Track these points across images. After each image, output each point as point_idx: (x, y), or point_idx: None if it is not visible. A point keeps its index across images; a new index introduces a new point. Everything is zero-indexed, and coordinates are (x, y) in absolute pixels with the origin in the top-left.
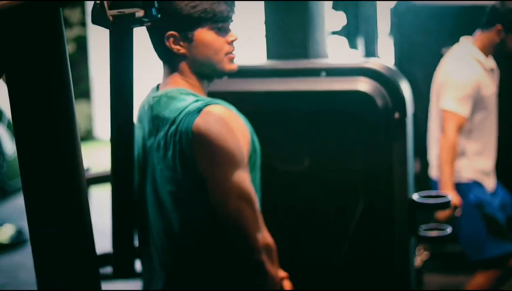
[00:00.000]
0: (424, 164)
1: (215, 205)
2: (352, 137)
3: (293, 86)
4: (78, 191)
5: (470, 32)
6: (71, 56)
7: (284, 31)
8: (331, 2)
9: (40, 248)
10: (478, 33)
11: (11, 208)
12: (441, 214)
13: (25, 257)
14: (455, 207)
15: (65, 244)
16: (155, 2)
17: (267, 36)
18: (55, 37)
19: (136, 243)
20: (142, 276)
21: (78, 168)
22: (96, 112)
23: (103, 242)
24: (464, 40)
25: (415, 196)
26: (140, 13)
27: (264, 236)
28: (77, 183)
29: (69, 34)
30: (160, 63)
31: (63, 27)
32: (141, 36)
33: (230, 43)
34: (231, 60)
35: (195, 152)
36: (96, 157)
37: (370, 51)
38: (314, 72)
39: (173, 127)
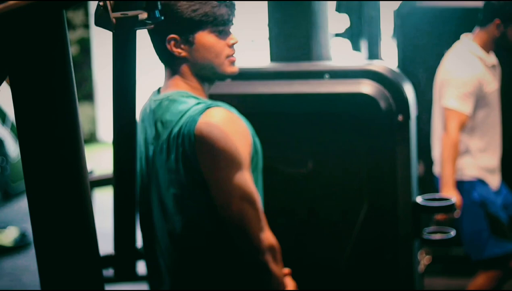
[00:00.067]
0: (428, 167)
1: (218, 207)
2: (356, 140)
3: (297, 89)
4: (81, 193)
5: None
6: (74, 58)
7: (288, 34)
8: (334, 4)
9: (44, 250)
10: (477, 30)
11: (15, 210)
12: (441, 215)
13: (29, 260)
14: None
15: (69, 247)
16: (159, 4)
17: (270, 38)
18: (59, 39)
19: (138, 245)
20: (148, 280)
21: (82, 171)
22: (100, 115)
23: (107, 244)
24: (465, 38)
25: (419, 199)
26: (143, 15)
27: (268, 236)
28: (80, 185)
29: (72, 36)
30: (157, 66)
31: (67, 29)
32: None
33: (231, 46)
34: (232, 63)
35: (198, 154)
36: (100, 159)
37: (374, 54)
38: (317, 75)
39: (176, 130)
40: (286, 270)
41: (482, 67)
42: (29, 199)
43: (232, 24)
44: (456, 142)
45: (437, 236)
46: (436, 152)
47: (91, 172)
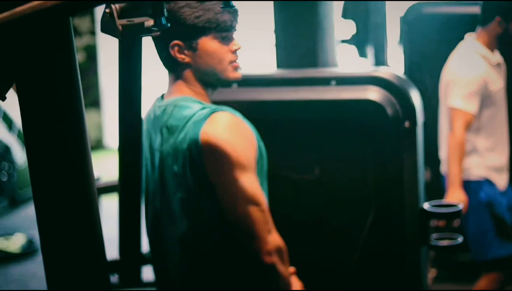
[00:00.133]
0: (435, 173)
1: (225, 210)
2: (362, 146)
3: (303, 95)
4: (88, 200)
5: None
6: (80, 65)
7: (294, 40)
8: (340, 10)
9: (51, 257)
10: (479, 30)
11: (22, 217)
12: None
13: (36, 267)
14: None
15: (76, 253)
16: (165, 11)
17: (277, 45)
18: (65, 46)
19: (143, 250)
20: (156, 285)
21: (89, 177)
22: (106, 121)
23: (114, 250)
24: (468, 38)
25: (426, 205)
26: (149, 22)
27: (275, 238)
28: (87, 192)
29: (78, 43)
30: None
31: (73, 36)
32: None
33: (234, 52)
34: (235, 68)
35: (204, 158)
36: (106, 166)
37: (380, 60)
38: (324, 81)
39: (181, 135)
40: (292, 269)
41: (487, 66)
42: (36, 205)
43: (235, 30)
44: (462, 142)
45: (445, 242)
46: (443, 151)
47: (98, 179)
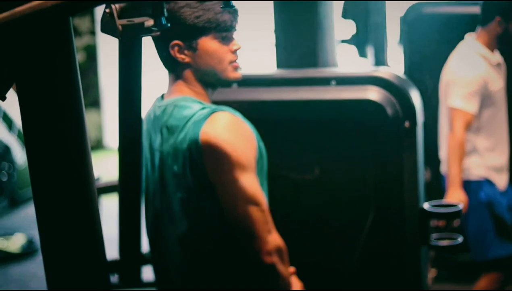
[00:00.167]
0: (435, 173)
1: (225, 210)
2: (362, 146)
3: (303, 95)
4: (88, 200)
5: None
6: (80, 65)
7: (294, 40)
8: (340, 10)
9: (51, 257)
10: (479, 30)
11: (22, 217)
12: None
13: (36, 267)
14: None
15: (76, 253)
16: (165, 11)
17: (277, 45)
18: (65, 46)
19: (143, 250)
20: (156, 285)
21: (89, 177)
22: (106, 122)
23: (114, 250)
24: (468, 38)
25: (426, 205)
26: (149, 22)
27: (275, 238)
28: (87, 192)
29: (78, 43)
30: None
31: (73, 36)
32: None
33: (234, 52)
34: (235, 68)
35: (204, 158)
36: (106, 166)
37: (380, 60)
38: (324, 81)
39: (181, 135)
40: (292, 269)
41: (487, 65)
42: (36, 205)
43: (235, 30)
44: (462, 142)
45: (445, 242)
46: (443, 151)
47: (98, 179)
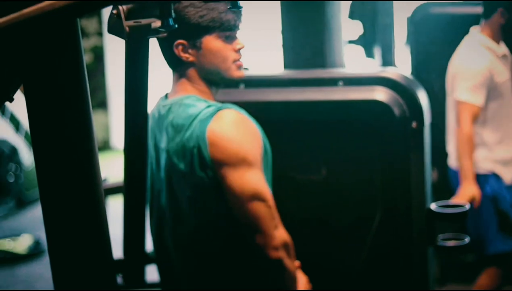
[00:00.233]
0: (442, 173)
1: (232, 206)
2: (370, 147)
3: (311, 96)
4: (95, 201)
5: None
6: (88, 66)
7: (301, 41)
8: (348, 11)
9: (58, 258)
10: (483, 23)
11: (29, 218)
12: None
13: (42, 268)
14: (473, 199)
15: (83, 254)
16: (172, 12)
17: (284, 45)
18: (72, 47)
19: (147, 250)
20: (162, 284)
21: (96, 178)
22: (113, 122)
23: (120, 251)
24: (473, 30)
25: (433, 206)
26: (156, 23)
27: (281, 233)
28: (94, 193)
29: (86, 44)
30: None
31: (80, 37)
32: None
33: (237, 51)
34: (239, 67)
35: (211, 155)
36: (113, 167)
37: (387, 60)
38: (331, 82)
39: (188, 133)
40: (297, 263)
41: (492, 57)
42: (44, 206)
43: (239, 29)
44: (470, 135)
45: (451, 243)
46: (451, 145)
47: (104, 180)
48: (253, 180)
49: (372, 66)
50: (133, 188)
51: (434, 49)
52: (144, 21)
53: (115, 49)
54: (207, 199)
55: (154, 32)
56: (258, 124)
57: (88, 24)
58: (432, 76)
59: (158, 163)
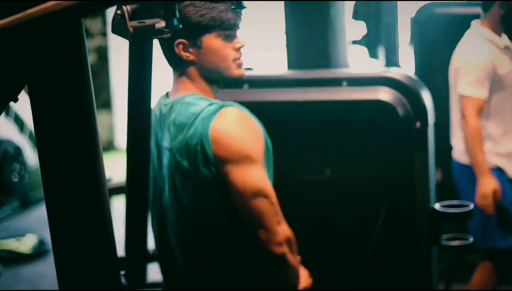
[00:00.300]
0: (446, 173)
1: (236, 202)
2: (374, 146)
3: (315, 96)
4: (100, 201)
5: None
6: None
7: (305, 41)
8: (351, 11)
9: (63, 258)
10: (483, 16)
11: (33, 218)
12: (483, 201)
13: (47, 267)
14: (495, 192)
15: (88, 254)
16: (177, 12)
17: (288, 46)
18: (77, 47)
19: (149, 249)
20: (164, 282)
21: (100, 178)
22: (117, 122)
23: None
24: (474, 24)
25: (437, 206)
26: (160, 24)
27: (284, 229)
28: (99, 193)
29: (90, 44)
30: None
31: (85, 37)
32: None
33: (237, 49)
34: (239, 66)
35: (214, 152)
36: (118, 167)
37: (392, 61)
38: (335, 82)
39: (191, 131)
40: (298, 258)
41: (494, 49)
42: (48, 206)
43: (239, 28)
44: (477, 129)
45: (456, 243)
46: (455, 139)
47: (109, 180)
48: (256, 176)
49: (375, 67)
50: (135, 186)
51: (438, 49)
52: (148, 22)
53: (119, 50)
54: (210, 197)
55: (158, 32)
56: (262, 124)
57: (92, 24)
58: (436, 76)
59: (160, 161)
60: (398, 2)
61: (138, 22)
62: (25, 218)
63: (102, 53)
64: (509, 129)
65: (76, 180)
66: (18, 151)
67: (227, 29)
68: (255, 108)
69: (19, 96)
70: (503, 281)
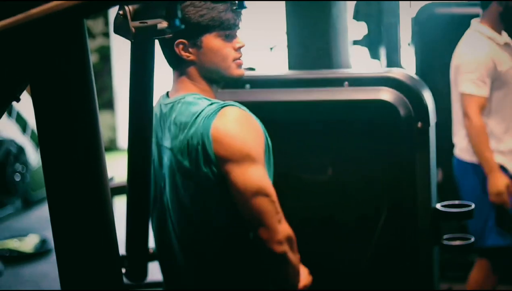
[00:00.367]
0: (447, 173)
1: (237, 201)
2: (375, 146)
3: (316, 96)
4: (102, 200)
5: None
6: (94, 67)
7: (307, 41)
8: (352, 12)
9: (65, 257)
10: (482, 14)
11: (35, 218)
12: (498, 198)
13: (49, 267)
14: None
15: (90, 254)
16: (179, 13)
17: (289, 46)
18: (79, 47)
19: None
20: (164, 281)
21: (102, 178)
22: (120, 123)
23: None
24: (474, 22)
25: (438, 205)
26: (162, 24)
27: (285, 227)
28: (101, 192)
29: (92, 44)
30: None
31: (87, 37)
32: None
33: (238, 49)
34: (239, 66)
35: (215, 152)
36: (120, 166)
37: (393, 61)
38: (336, 82)
39: (192, 131)
40: (298, 257)
41: (494, 47)
42: (50, 206)
43: (239, 28)
44: (481, 126)
45: (457, 242)
46: (457, 137)
47: (111, 179)
48: (257, 175)
49: (377, 67)
50: (136, 186)
51: (439, 49)
52: (150, 22)
53: (121, 50)
54: (211, 196)
55: (160, 33)
56: (264, 124)
57: (95, 24)
58: (436, 76)
59: (160, 161)
60: (399, 2)
61: (140, 23)
62: (27, 217)
63: (104, 53)
64: (510, 127)
65: (78, 180)
66: (20, 150)
67: (227, 29)
68: (257, 108)
69: (22, 96)
70: (503, 280)
